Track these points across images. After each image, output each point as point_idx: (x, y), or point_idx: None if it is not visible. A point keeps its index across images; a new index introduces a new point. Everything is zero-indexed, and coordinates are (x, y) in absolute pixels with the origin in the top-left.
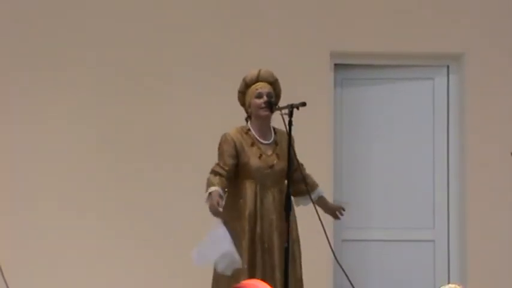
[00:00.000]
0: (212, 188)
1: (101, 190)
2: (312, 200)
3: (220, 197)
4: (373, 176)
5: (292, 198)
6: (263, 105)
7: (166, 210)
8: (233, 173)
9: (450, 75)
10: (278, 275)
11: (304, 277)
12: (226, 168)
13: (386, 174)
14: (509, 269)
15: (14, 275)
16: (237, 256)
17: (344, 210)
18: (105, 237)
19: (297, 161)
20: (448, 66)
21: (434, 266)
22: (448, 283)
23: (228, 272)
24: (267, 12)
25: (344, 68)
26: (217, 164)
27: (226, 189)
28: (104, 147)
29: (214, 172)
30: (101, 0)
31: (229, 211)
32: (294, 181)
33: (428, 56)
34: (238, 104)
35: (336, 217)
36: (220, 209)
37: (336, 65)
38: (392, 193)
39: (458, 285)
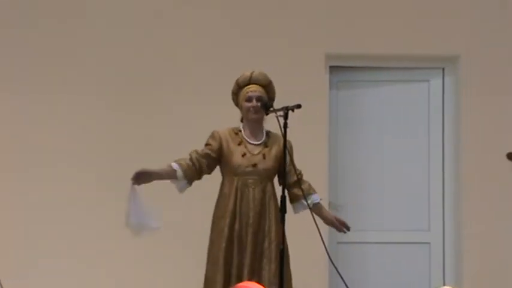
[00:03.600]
0: (172, 163)
1: (100, 190)
2: (307, 203)
3: (149, 175)
4: (368, 178)
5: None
6: (251, 109)
7: (166, 211)
8: (205, 162)
9: (445, 78)
10: (246, 273)
11: (299, 279)
12: (199, 152)
13: (382, 176)
14: (504, 271)
15: (12, 273)
16: (140, 223)
17: (349, 229)
18: (104, 237)
19: (294, 166)
20: (443, 69)
21: (429, 268)
22: (444, 285)
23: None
24: (262, 14)
25: (339, 70)
26: (194, 150)
27: (182, 169)
28: (103, 148)
29: (189, 155)
30: (100, 6)
31: (215, 210)
32: (288, 185)
33: (424, 58)
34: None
35: (339, 230)
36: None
37: (331, 67)
38: (388, 195)
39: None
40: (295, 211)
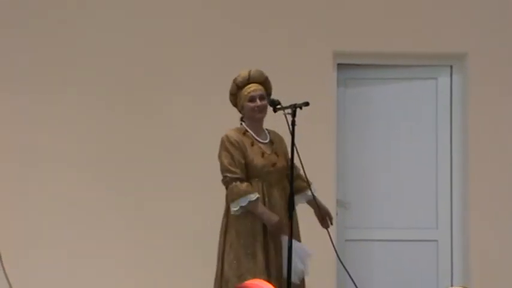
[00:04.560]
0: (252, 196)
1: (100, 190)
2: (315, 200)
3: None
4: (376, 175)
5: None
6: (256, 109)
7: (166, 212)
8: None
9: (453, 75)
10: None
11: (307, 277)
12: (242, 169)
13: (389, 174)
14: None
15: (13, 267)
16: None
17: (331, 223)
18: (104, 238)
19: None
20: (451, 66)
21: (437, 266)
22: (452, 282)
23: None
24: (269, 11)
25: (347, 67)
26: (234, 171)
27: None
28: (104, 147)
29: (235, 179)
30: (100, 6)
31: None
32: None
33: (432, 56)
34: None
35: (323, 225)
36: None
37: (339, 64)
38: (395, 193)
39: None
40: (296, 203)
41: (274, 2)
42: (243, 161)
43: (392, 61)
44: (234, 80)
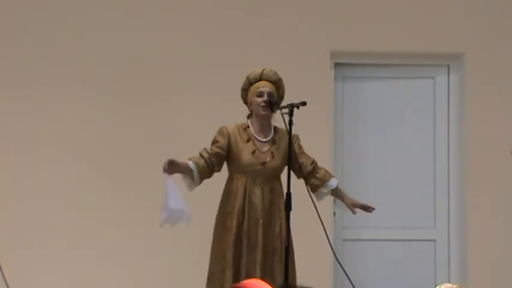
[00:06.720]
0: (189, 162)
1: (101, 190)
2: (312, 200)
3: (176, 165)
4: (373, 175)
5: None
6: (263, 103)
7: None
8: (216, 161)
9: (451, 75)
10: (259, 271)
11: (304, 276)
12: (210, 152)
13: (387, 173)
14: (510, 269)
15: (13, 273)
16: (181, 209)
17: (373, 208)
18: (104, 238)
19: (306, 157)
20: (448, 66)
21: (435, 266)
22: (449, 282)
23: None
24: (268, 11)
25: (344, 67)
26: (205, 150)
27: (197, 168)
28: (105, 146)
29: (200, 154)
30: (102, 3)
31: (222, 207)
32: (305, 176)
33: (429, 55)
34: (239, 102)
35: (367, 210)
36: (167, 166)
37: (336, 64)
38: (393, 192)
39: (454, 284)
40: (318, 199)
41: (272, 2)
42: (216, 149)
43: (390, 60)
44: (248, 76)
